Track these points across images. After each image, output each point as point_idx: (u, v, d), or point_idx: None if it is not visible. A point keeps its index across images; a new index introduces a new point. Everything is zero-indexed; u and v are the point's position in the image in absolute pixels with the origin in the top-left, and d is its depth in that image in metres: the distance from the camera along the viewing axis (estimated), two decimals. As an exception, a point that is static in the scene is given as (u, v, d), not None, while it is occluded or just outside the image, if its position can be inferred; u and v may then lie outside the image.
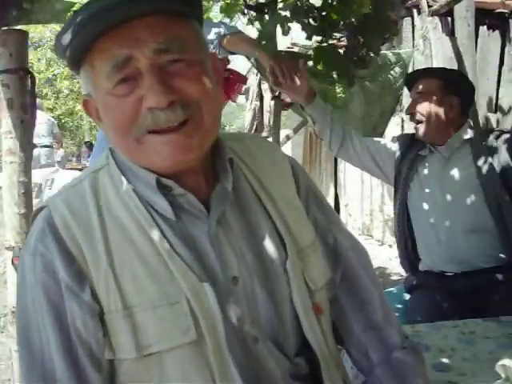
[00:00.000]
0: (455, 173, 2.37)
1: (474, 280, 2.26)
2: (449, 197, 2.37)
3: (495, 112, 4.84)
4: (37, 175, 5.76)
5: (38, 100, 2.34)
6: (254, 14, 3.08)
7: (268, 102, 7.84)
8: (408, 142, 2.56)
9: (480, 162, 2.31)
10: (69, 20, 0.94)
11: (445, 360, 1.53)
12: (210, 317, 0.95)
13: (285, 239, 1.08)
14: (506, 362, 1.35)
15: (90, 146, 14.48)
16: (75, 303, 0.94)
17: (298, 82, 2.41)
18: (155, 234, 0.97)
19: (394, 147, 2.58)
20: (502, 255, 2.27)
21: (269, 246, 1.07)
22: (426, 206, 2.42)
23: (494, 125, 4.75)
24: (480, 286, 2.24)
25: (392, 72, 3.97)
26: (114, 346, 0.95)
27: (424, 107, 2.39)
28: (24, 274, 0.99)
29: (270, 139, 3.24)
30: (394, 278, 4.70)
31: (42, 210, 1.02)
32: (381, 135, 3.79)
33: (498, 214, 2.26)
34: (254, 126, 8.68)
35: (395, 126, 5.12)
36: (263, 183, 1.12)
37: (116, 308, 0.94)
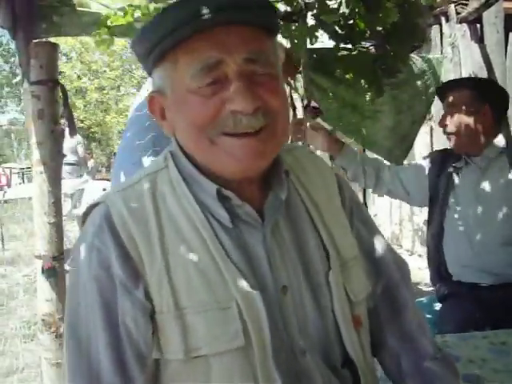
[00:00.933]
0: (491, 184, 2.34)
1: (509, 292, 2.22)
2: (485, 209, 2.33)
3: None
4: (66, 185, 5.83)
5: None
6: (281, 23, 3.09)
7: (301, 112, 7.85)
8: (441, 158, 2.55)
9: None
10: (159, 17, 0.97)
11: (475, 371, 1.50)
12: (258, 325, 0.96)
13: (329, 251, 1.09)
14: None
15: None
16: (128, 300, 0.95)
17: (321, 141, 2.61)
18: (211, 239, 0.99)
19: (426, 170, 2.57)
20: None
21: (314, 256, 1.09)
22: (461, 218, 2.39)
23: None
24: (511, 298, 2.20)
25: (423, 79, 3.92)
26: (162, 345, 0.96)
27: (456, 119, 2.37)
28: (78, 268, 1.00)
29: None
30: (424, 288, 4.64)
31: (97, 206, 1.03)
32: (411, 144, 3.74)
33: None
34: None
35: (424, 135, 5.07)
36: (311, 195, 1.14)
37: (168, 308, 0.95)
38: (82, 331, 0.97)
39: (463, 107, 2.35)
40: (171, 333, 0.95)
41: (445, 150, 2.56)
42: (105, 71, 16.36)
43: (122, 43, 14.11)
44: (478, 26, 4.70)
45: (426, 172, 2.56)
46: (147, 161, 2.07)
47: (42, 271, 2.11)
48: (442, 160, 2.53)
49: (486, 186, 2.35)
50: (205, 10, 0.92)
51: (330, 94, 3.33)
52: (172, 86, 1.00)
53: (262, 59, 0.97)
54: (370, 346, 1.15)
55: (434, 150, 4.08)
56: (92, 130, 19.35)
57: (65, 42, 15.04)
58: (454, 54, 4.60)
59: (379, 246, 1.23)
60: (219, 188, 1.01)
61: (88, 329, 0.97)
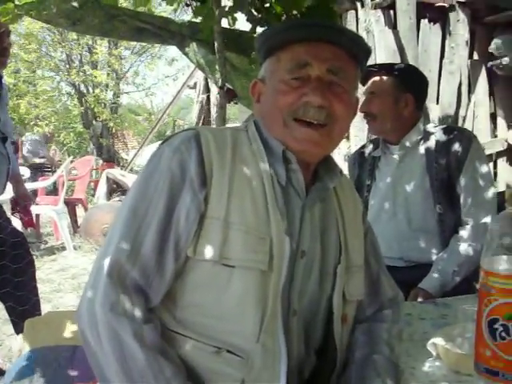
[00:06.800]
0: (407, 173, 2.36)
1: (417, 272, 2.26)
2: (400, 198, 2.36)
3: (437, 103, 4.95)
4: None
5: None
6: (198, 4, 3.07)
7: (215, 95, 7.82)
8: (359, 155, 2.57)
9: (430, 163, 2.30)
10: (280, 25, 1.50)
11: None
12: (280, 262, 1.17)
13: (342, 250, 1.32)
14: (436, 340, 1.39)
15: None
16: (190, 195, 1.15)
17: None
18: (269, 185, 1.21)
19: (353, 167, 2.58)
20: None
21: (331, 247, 1.31)
22: (380, 209, 2.41)
23: (437, 115, 4.86)
24: (417, 279, 2.24)
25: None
26: (199, 247, 1.15)
27: (378, 106, 2.31)
28: (159, 160, 1.20)
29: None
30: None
31: (190, 130, 1.25)
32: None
33: (438, 215, 2.29)
34: (202, 120, 8.65)
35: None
36: (342, 207, 1.37)
37: (218, 216, 1.15)
38: (144, 204, 1.16)
39: (385, 95, 2.30)
40: (214, 236, 1.14)
41: (362, 147, 2.57)
42: (18, 54, 15.67)
43: (38, 25, 13.54)
44: (392, 12, 4.84)
45: (355, 168, 2.58)
46: None
47: None
48: (359, 156, 2.56)
49: (401, 175, 2.36)
50: (309, 27, 1.26)
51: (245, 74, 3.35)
52: (270, 76, 1.29)
53: (340, 74, 1.25)
54: (347, 343, 1.33)
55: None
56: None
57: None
58: (368, 39, 4.71)
59: (384, 280, 1.47)
60: (285, 149, 1.24)
61: (150, 205, 1.15)
